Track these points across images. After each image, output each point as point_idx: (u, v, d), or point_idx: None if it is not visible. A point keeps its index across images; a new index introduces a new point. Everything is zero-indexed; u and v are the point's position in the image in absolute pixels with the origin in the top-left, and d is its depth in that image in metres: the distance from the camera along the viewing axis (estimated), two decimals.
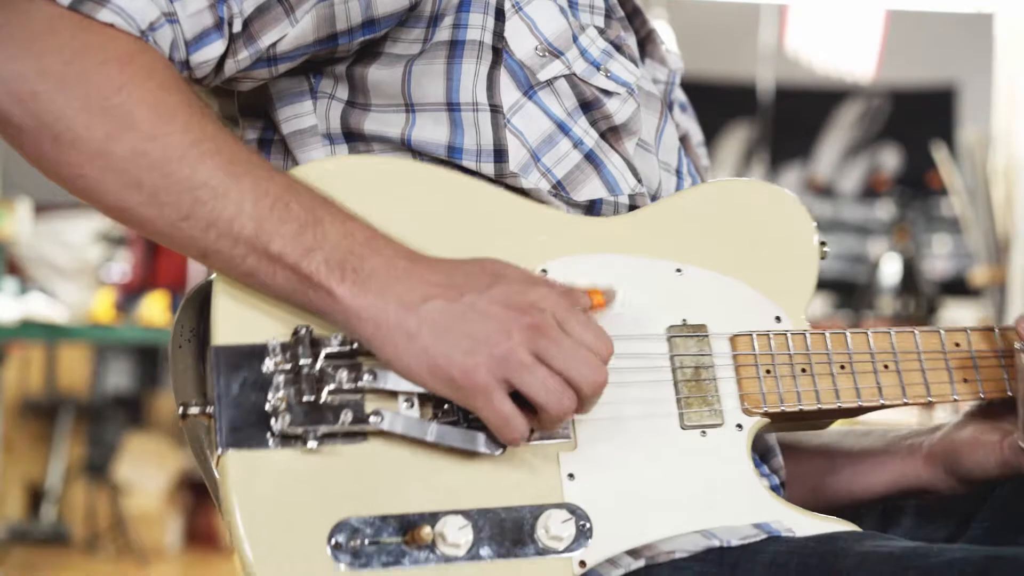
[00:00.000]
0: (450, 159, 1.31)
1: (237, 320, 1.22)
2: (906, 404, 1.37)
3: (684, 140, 1.59)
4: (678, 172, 1.49)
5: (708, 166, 1.66)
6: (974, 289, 6.03)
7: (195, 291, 1.34)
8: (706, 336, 1.32)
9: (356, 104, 1.33)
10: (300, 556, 1.17)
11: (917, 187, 7.62)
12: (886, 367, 1.36)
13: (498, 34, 1.31)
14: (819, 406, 1.33)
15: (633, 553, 1.22)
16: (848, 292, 6.87)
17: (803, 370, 1.34)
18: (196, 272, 6.81)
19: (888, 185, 7.60)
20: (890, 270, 5.83)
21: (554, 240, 1.32)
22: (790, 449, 1.55)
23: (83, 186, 1.19)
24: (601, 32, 1.39)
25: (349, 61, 1.32)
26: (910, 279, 5.84)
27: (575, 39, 1.35)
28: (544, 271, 1.30)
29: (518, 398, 1.19)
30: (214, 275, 1.26)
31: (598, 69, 1.36)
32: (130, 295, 6.75)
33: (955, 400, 1.39)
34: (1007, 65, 5.64)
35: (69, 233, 6.65)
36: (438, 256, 1.23)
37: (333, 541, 1.18)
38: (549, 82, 1.34)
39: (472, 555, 1.20)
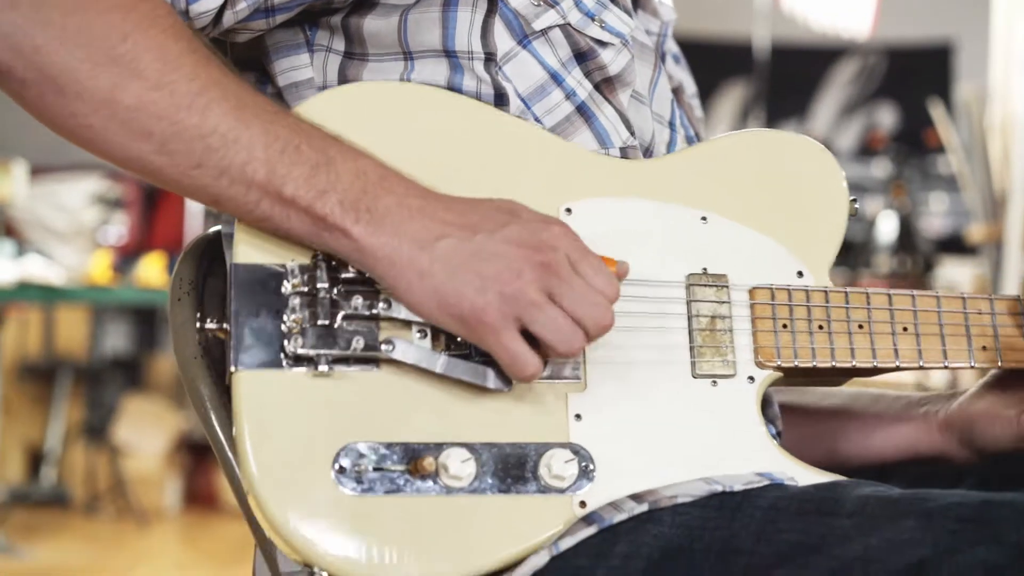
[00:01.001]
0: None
1: (258, 242, 1.23)
2: (922, 368, 1.37)
3: (677, 92, 1.59)
4: (671, 124, 1.50)
5: (702, 117, 1.66)
6: (971, 246, 6.03)
7: (194, 243, 1.35)
8: (725, 286, 1.32)
9: (354, 55, 1.32)
10: (303, 476, 1.18)
11: (914, 145, 7.61)
12: (905, 329, 1.36)
13: None
14: (833, 364, 1.33)
15: (636, 497, 1.23)
16: (845, 250, 6.84)
17: (820, 327, 1.33)
18: (193, 233, 6.80)
19: (884, 143, 7.59)
20: (886, 228, 5.84)
21: (581, 179, 1.32)
22: (802, 410, 1.55)
23: (90, 137, 1.19)
24: None
25: (344, 12, 1.32)
26: (907, 237, 5.84)
27: None
28: (568, 210, 1.30)
29: (530, 336, 1.20)
30: (219, 226, 1.27)
31: (592, 19, 1.36)
32: (127, 257, 6.76)
33: (972, 367, 1.38)
34: (1003, 21, 5.63)
35: (65, 195, 6.64)
36: (459, 189, 1.23)
37: (337, 465, 1.19)
38: (544, 32, 1.34)
39: (473, 488, 1.21)
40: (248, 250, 1.23)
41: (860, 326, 1.35)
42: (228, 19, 1.26)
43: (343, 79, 1.33)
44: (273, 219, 1.20)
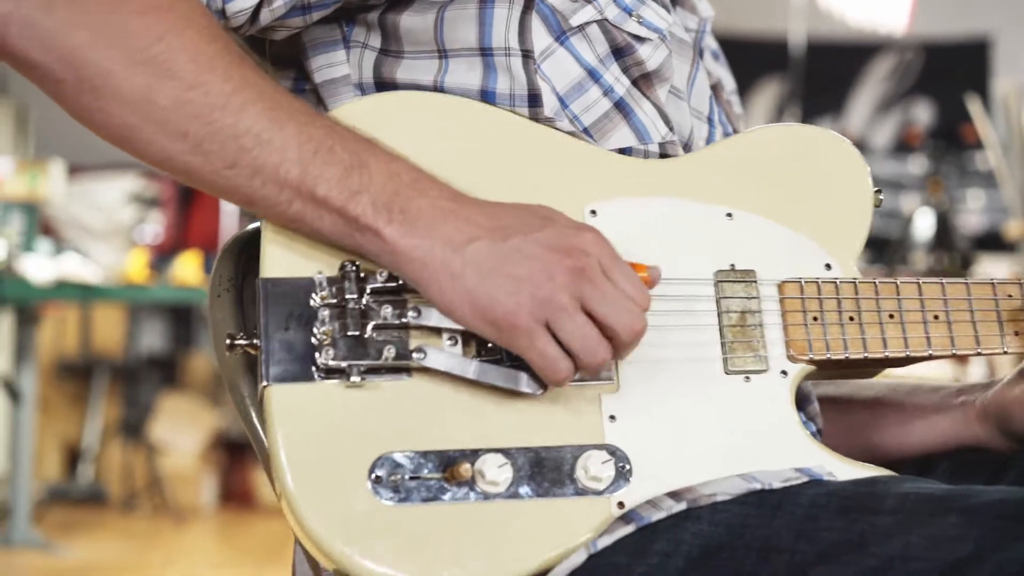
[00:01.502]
0: (485, 101, 1.31)
1: (285, 255, 1.23)
2: (955, 356, 1.36)
3: (716, 88, 1.58)
4: (709, 120, 1.49)
5: (741, 114, 1.65)
6: (1009, 243, 5.99)
7: (233, 240, 1.35)
8: (754, 281, 1.32)
9: (389, 52, 1.33)
10: (340, 489, 1.18)
11: (950, 141, 7.56)
12: (936, 317, 1.35)
13: None
14: (866, 355, 1.33)
15: (674, 495, 1.23)
16: (881, 247, 6.83)
17: (851, 318, 1.33)
18: (229, 232, 6.84)
19: (921, 139, 7.54)
20: (923, 224, 5.80)
21: (605, 181, 1.32)
22: (839, 402, 1.54)
23: (126, 136, 1.19)
24: None
25: (382, 8, 1.32)
26: (944, 234, 5.80)
27: None
28: (593, 211, 1.30)
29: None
30: (257, 222, 1.27)
31: (630, 15, 1.35)
32: (163, 256, 6.80)
33: (1005, 352, 1.38)
34: None
35: (102, 194, 6.69)
36: (487, 195, 1.23)
37: (374, 475, 1.19)
38: (581, 27, 1.33)
39: (511, 493, 1.21)
40: (276, 263, 1.23)
41: (891, 316, 1.34)
42: (265, 17, 1.27)
43: (378, 76, 1.33)
44: (305, 219, 1.20)
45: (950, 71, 8.31)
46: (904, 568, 1.12)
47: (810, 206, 1.36)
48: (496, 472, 1.20)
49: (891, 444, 1.50)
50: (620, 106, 1.35)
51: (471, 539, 1.20)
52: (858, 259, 1.37)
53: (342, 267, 1.22)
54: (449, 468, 1.20)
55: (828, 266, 1.35)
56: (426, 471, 1.20)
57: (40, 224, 6.04)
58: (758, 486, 1.22)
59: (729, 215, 1.34)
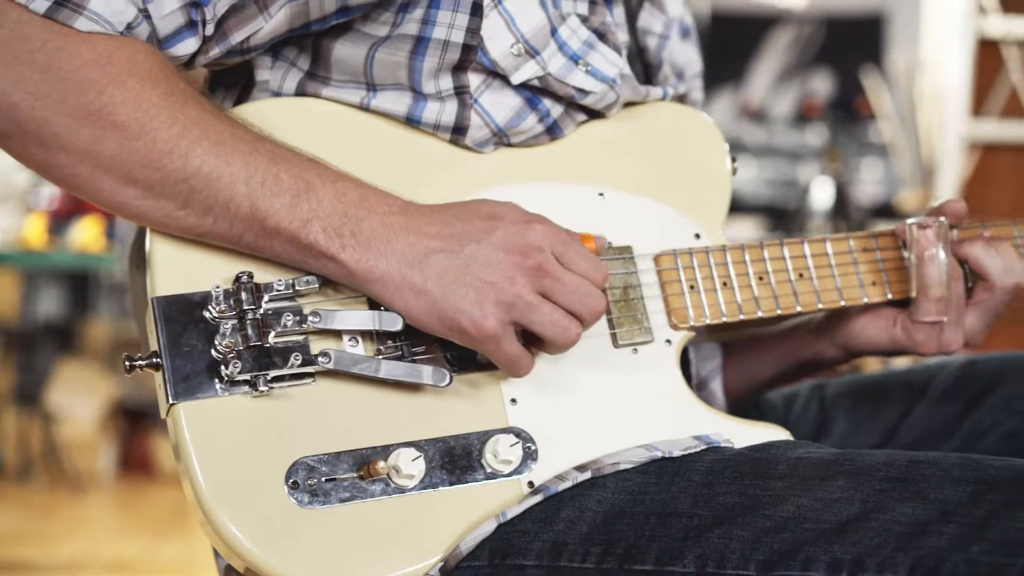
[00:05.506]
0: (407, 124, 1.33)
1: (177, 270, 1.23)
2: (821, 310, 1.43)
3: (680, 74, 1.60)
4: None
5: (700, 100, 1.67)
6: (903, 213, 6.12)
7: None
8: (631, 257, 1.36)
9: (316, 76, 1.33)
10: (259, 498, 1.19)
11: (848, 112, 7.69)
12: (801, 275, 1.41)
13: (473, 31, 1.30)
14: (741, 317, 1.39)
15: (580, 467, 1.27)
16: (780, 216, 6.94)
17: (724, 283, 1.38)
18: None
19: (820, 110, 7.64)
20: (821, 195, 5.89)
21: (485, 172, 1.35)
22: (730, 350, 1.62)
23: (77, 184, 1.21)
24: (584, 20, 1.37)
25: (317, 33, 1.32)
26: (840, 203, 5.90)
27: (554, 32, 1.34)
28: None
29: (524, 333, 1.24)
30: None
31: (576, 63, 1.36)
32: (60, 220, 6.68)
33: (866, 303, 1.44)
34: None
35: None
36: (427, 204, 1.25)
37: (291, 481, 1.20)
38: (523, 84, 1.34)
39: (425, 484, 1.24)
40: (168, 280, 1.23)
41: (760, 278, 1.40)
42: (200, 62, 1.29)
43: (300, 92, 1.34)
44: (259, 248, 1.22)
45: (848, 44, 8.43)
46: (795, 529, 1.17)
47: (675, 180, 1.41)
48: (410, 465, 1.23)
49: (748, 379, 1.60)
50: (552, 130, 1.37)
51: (391, 533, 1.22)
52: (723, 225, 1.42)
53: (237, 279, 1.22)
54: (364, 466, 1.22)
55: (697, 235, 1.40)
56: (341, 472, 1.22)
57: None
58: (659, 454, 1.26)
59: (601, 194, 1.38)
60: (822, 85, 8.38)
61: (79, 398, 6.44)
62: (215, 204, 1.20)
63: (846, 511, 1.17)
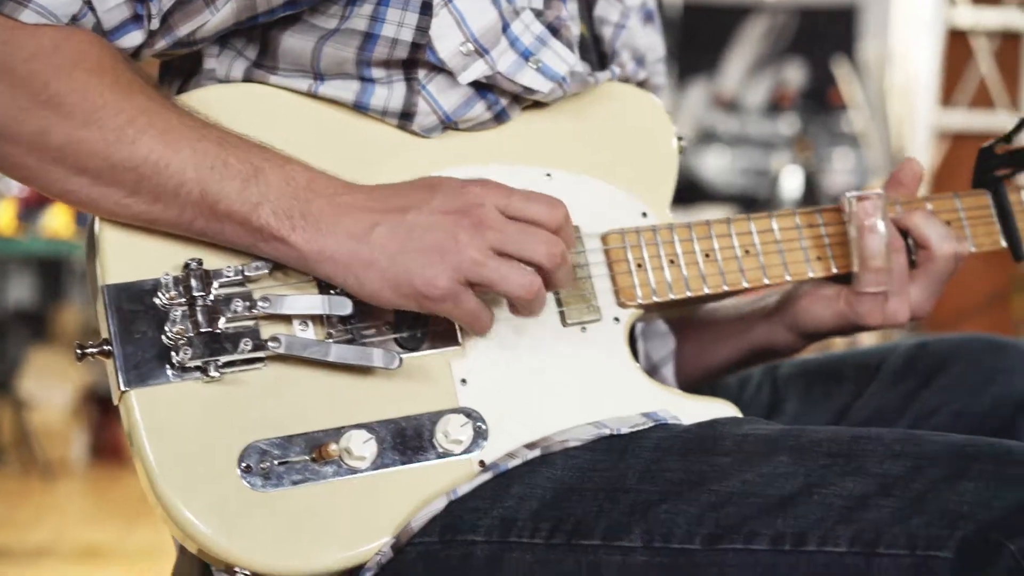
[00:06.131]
0: (355, 110, 1.34)
1: (126, 257, 1.24)
2: (767, 286, 1.45)
3: (642, 59, 1.61)
4: None
5: (663, 84, 1.67)
6: None
7: None
8: (579, 236, 1.37)
9: (263, 65, 1.34)
10: (212, 483, 1.20)
11: (820, 103, 7.71)
12: (747, 252, 1.43)
13: (422, 29, 1.30)
14: (688, 294, 1.40)
15: (530, 445, 1.29)
16: (750, 205, 6.97)
17: (671, 261, 1.40)
18: None
19: (793, 101, 7.68)
20: (791, 183, 5.93)
21: (432, 157, 1.36)
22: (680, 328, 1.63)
23: (27, 175, 1.22)
24: (539, 14, 1.37)
25: (265, 25, 1.33)
26: (810, 192, 5.94)
27: (505, 28, 1.34)
28: None
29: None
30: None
31: (527, 60, 1.36)
32: (31, 207, 6.66)
33: (811, 277, 1.46)
34: None
35: None
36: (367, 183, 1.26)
37: (243, 465, 1.21)
38: (471, 83, 1.34)
39: (378, 465, 1.25)
40: (117, 267, 1.24)
41: (707, 255, 1.41)
42: (146, 54, 1.29)
43: (247, 79, 1.34)
44: (209, 234, 1.23)
45: (821, 35, 8.46)
46: (740, 504, 1.19)
47: (622, 159, 1.42)
48: (362, 447, 1.24)
49: (699, 364, 1.62)
50: (499, 116, 1.38)
51: (344, 513, 1.23)
52: (670, 204, 1.44)
53: (186, 265, 1.23)
54: (316, 449, 1.23)
55: (644, 214, 1.41)
56: (294, 455, 1.23)
57: None
58: (607, 432, 1.28)
59: (548, 175, 1.39)
60: (795, 75, 8.41)
61: (51, 385, 6.43)
62: (164, 191, 1.21)
63: (789, 486, 1.19)
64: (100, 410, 6.58)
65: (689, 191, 7.15)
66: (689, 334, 1.63)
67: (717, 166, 7.43)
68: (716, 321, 1.62)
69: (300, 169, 1.24)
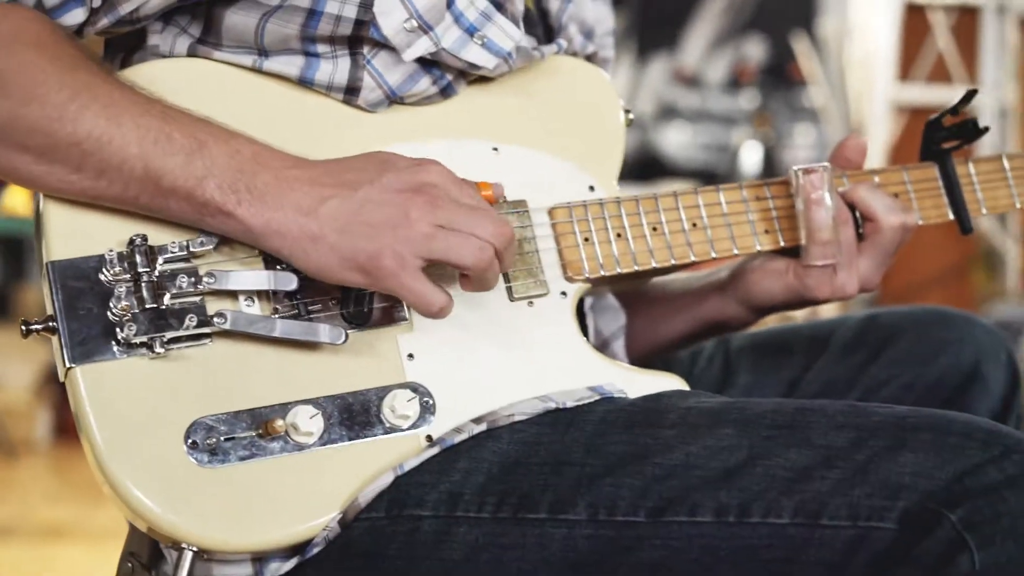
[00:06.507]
0: (300, 85, 1.33)
1: (70, 234, 1.24)
2: (715, 260, 1.45)
3: (590, 33, 1.61)
4: None
5: (610, 58, 1.67)
6: None
7: None
8: (526, 211, 1.38)
9: (207, 42, 1.33)
10: (159, 459, 1.20)
11: (781, 78, 7.73)
12: (695, 225, 1.44)
13: (365, 6, 1.29)
14: (636, 268, 1.41)
15: (476, 420, 1.29)
16: (709, 180, 6.99)
17: (619, 235, 1.40)
18: None
19: (753, 76, 7.69)
20: (750, 158, 5.94)
21: (378, 132, 1.35)
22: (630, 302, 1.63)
23: None
24: None
25: (209, 2, 1.32)
26: (770, 168, 5.95)
27: (450, 5, 1.33)
28: None
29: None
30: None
31: (472, 36, 1.35)
32: None
33: (759, 251, 1.47)
34: None
35: None
36: (318, 159, 1.25)
37: (190, 441, 1.21)
38: (415, 60, 1.34)
39: (324, 441, 1.25)
40: (62, 244, 1.23)
41: (655, 228, 1.42)
42: (89, 32, 1.29)
43: (191, 54, 1.34)
44: (155, 209, 1.22)
45: (781, 10, 8.47)
46: (684, 476, 1.20)
47: (569, 133, 1.43)
48: (308, 423, 1.24)
49: (648, 338, 1.61)
50: (445, 91, 1.38)
51: (291, 489, 1.23)
52: (617, 177, 1.44)
53: (131, 241, 1.23)
54: (262, 425, 1.23)
55: (592, 188, 1.42)
56: (240, 431, 1.23)
57: None
58: (553, 406, 1.29)
59: (495, 149, 1.39)
60: (755, 51, 8.42)
61: (14, 365, 6.39)
62: (108, 167, 1.20)
63: (733, 458, 1.20)
64: (63, 389, 6.53)
65: (650, 167, 7.16)
66: (639, 308, 1.64)
67: (678, 142, 7.44)
68: (667, 296, 1.63)
69: (245, 142, 1.23)
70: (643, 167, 6.52)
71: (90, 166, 1.20)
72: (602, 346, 1.61)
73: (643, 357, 1.63)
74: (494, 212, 1.26)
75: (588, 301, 1.57)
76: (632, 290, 1.65)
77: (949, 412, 1.23)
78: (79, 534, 4.66)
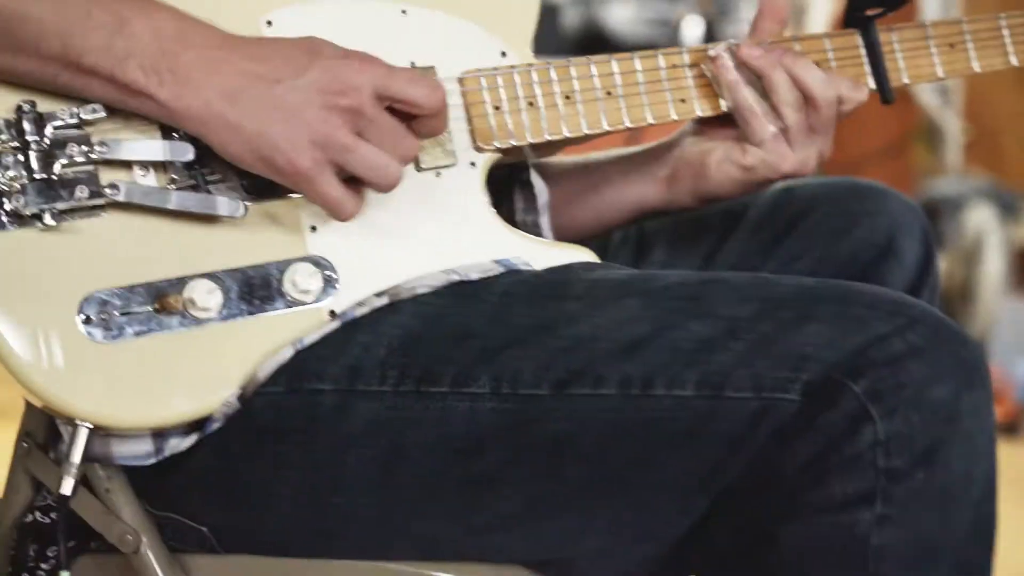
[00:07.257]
0: None
1: None
2: (629, 129, 1.43)
3: None
4: None
5: None
6: None
7: None
8: (435, 78, 1.34)
9: None
10: (52, 335, 1.18)
11: None
12: (609, 94, 1.41)
13: None
14: (547, 137, 1.38)
15: (378, 293, 1.28)
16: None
17: (530, 103, 1.37)
18: None
19: None
20: (691, 33, 5.88)
21: None
22: (556, 174, 1.58)
23: None
24: None
25: None
26: (711, 41, 5.90)
27: None
28: (269, 22, 1.29)
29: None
30: None
31: None
32: None
33: (674, 120, 1.44)
34: None
35: None
36: (249, 37, 1.22)
37: (83, 316, 1.18)
38: None
39: (224, 316, 1.23)
40: None
41: (567, 97, 1.39)
42: None
43: None
44: (75, 89, 1.19)
45: None
46: (588, 347, 1.19)
47: None
48: (206, 297, 1.21)
49: (588, 216, 1.55)
50: None
51: (189, 365, 1.22)
52: (531, 43, 1.40)
53: (18, 108, 1.19)
54: (159, 299, 1.21)
55: (504, 54, 1.38)
56: (136, 305, 1.20)
57: None
58: (457, 278, 1.27)
59: (404, 11, 1.35)
60: None
61: None
62: (25, 44, 1.16)
63: (638, 330, 1.19)
64: None
65: (594, 42, 7.08)
66: (567, 186, 1.60)
67: (622, 16, 7.36)
68: (607, 181, 1.58)
69: (169, 17, 1.19)
70: (586, 42, 6.45)
71: (5, 44, 1.16)
72: (525, 224, 1.57)
73: (568, 237, 1.58)
74: (422, 104, 1.22)
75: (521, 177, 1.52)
76: (562, 168, 1.61)
77: (857, 284, 1.23)
78: None
